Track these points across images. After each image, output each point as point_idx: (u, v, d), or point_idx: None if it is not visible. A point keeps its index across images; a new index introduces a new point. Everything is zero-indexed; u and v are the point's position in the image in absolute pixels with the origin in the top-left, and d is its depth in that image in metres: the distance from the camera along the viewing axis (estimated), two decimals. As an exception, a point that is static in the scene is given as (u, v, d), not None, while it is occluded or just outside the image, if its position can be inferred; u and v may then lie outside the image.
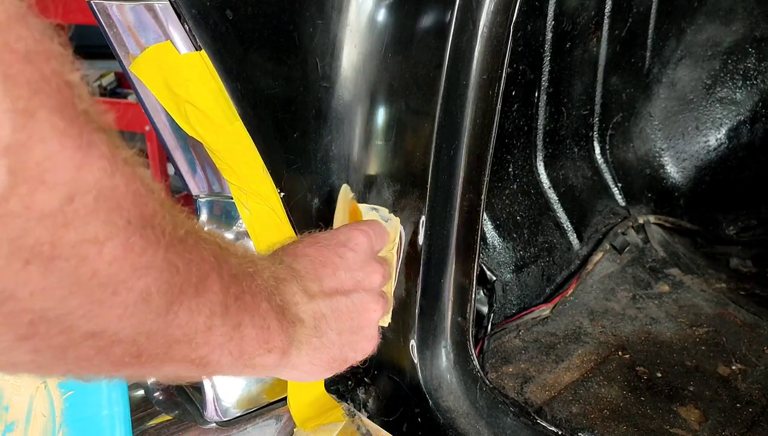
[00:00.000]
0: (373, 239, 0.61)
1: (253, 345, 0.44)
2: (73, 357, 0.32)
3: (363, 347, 0.59)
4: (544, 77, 1.05)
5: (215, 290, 0.38)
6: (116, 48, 0.60)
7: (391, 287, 0.72)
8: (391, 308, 0.72)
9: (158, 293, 0.33)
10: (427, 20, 0.66)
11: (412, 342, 0.75)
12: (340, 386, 0.77)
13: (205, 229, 0.45)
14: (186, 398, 0.70)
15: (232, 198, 0.66)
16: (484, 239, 0.99)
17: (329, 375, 0.57)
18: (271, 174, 0.65)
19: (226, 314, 0.40)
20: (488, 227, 1.00)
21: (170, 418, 0.68)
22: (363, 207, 0.71)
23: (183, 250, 0.35)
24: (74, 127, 0.28)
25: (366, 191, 0.71)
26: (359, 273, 0.57)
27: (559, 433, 0.72)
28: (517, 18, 0.67)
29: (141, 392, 0.72)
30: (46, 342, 0.30)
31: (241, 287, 0.42)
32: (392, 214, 0.71)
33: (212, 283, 0.38)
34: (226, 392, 0.68)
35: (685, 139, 1.33)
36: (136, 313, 0.32)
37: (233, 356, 0.43)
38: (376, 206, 0.71)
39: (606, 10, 1.11)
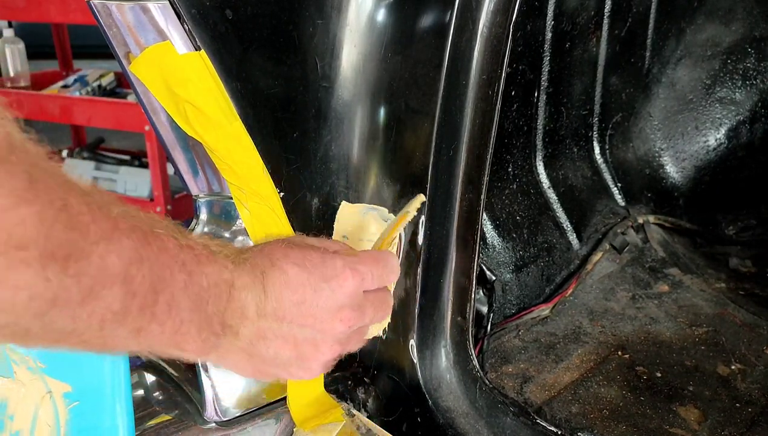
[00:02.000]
0: (367, 282, 0.55)
1: (162, 345, 0.45)
2: None
3: (298, 374, 0.55)
4: (544, 77, 1.05)
5: (109, 302, 0.39)
6: (116, 48, 0.61)
7: (390, 288, 0.71)
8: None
9: (30, 300, 0.35)
10: (426, 20, 0.66)
11: (412, 342, 0.75)
12: (340, 385, 0.77)
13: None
14: (186, 398, 0.70)
15: (231, 198, 0.66)
16: (483, 239, 0.99)
17: (257, 378, 0.55)
18: (271, 174, 0.65)
19: (122, 321, 0.41)
20: (488, 226, 1.00)
21: (170, 418, 0.68)
22: (362, 207, 0.71)
23: (64, 268, 0.36)
24: None
25: (366, 191, 0.71)
26: (325, 314, 0.53)
27: (559, 433, 0.72)
28: (516, 18, 0.67)
29: (141, 392, 0.72)
30: None
31: (154, 298, 0.42)
32: (392, 215, 0.71)
33: (107, 294, 0.39)
34: (226, 391, 0.68)
35: (685, 139, 1.33)
36: (6, 311, 0.35)
37: (141, 347, 0.44)
38: (375, 206, 0.71)
39: (605, 10, 1.11)
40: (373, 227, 0.71)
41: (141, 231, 0.42)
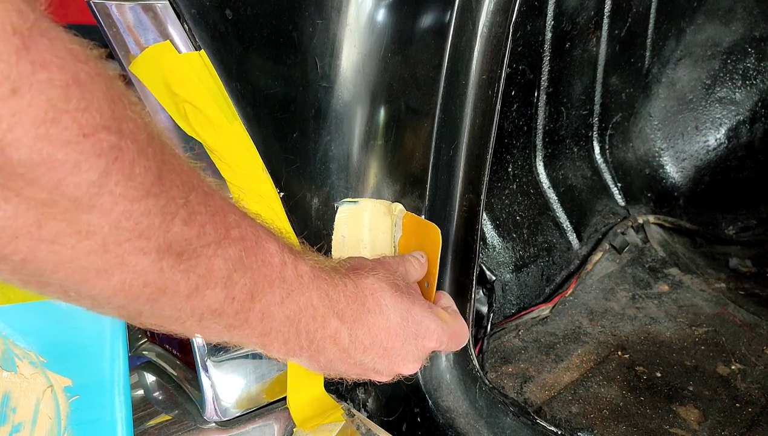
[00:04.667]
0: (440, 348, 0.60)
1: (250, 343, 0.48)
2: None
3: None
4: (544, 77, 1.05)
5: (210, 301, 0.42)
6: (116, 48, 0.61)
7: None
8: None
9: (144, 286, 0.38)
10: (426, 20, 0.66)
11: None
12: (340, 385, 0.77)
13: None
14: (186, 398, 0.70)
15: (231, 198, 0.66)
16: (483, 239, 0.99)
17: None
18: (271, 174, 0.65)
19: (219, 318, 0.43)
20: (488, 227, 1.00)
21: (170, 418, 0.69)
22: (363, 202, 0.71)
23: (176, 262, 0.39)
24: None
25: (366, 191, 0.71)
26: (400, 361, 0.57)
27: (559, 433, 0.72)
28: (516, 18, 0.67)
29: (141, 392, 0.72)
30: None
31: (250, 305, 0.44)
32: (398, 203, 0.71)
33: (209, 294, 0.41)
34: (226, 391, 0.68)
35: (685, 139, 1.33)
36: (124, 293, 0.37)
37: (232, 340, 0.47)
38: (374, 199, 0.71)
39: (605, 10, 1.11)
40: (374, 222, 0.70)
41: (250, 242, 0.44)
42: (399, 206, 0.71)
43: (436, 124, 0.69)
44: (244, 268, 0.43)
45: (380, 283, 0.56)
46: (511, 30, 0.67)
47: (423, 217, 0.72)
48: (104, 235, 0.34)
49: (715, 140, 1.33)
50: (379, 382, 0.62)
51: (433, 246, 0.66)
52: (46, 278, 0.35)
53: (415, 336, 0.57)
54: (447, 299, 0.66)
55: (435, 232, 0.65)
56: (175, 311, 0.40)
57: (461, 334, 0.63)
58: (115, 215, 0.34)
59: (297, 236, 0.68)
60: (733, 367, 0.90)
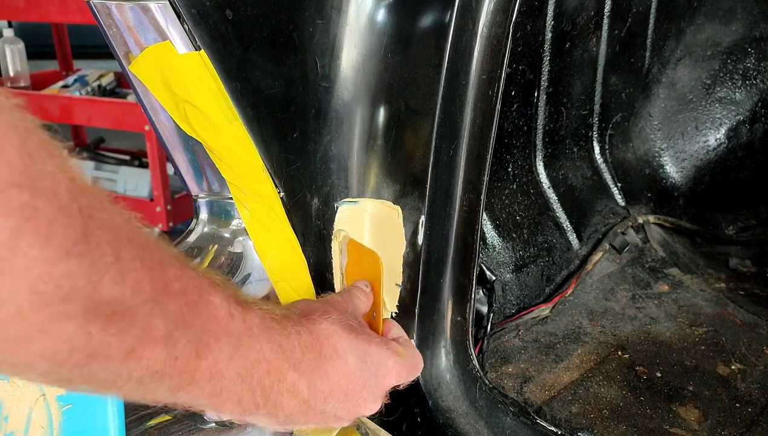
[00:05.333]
0: (400, 382, 0.59)
1: (200, 405, 0.45)
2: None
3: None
4: (544, 77, 1.05)
5: (150, 362, 0.39)
6: (116, 48, 0.61)
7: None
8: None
9: (70, 352, 0.35)
10: (426, 20, 0.66)
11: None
12: (340, 385, 0.77)
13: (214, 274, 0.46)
14: (186, 397, 0.70)
15: (231, 198, 0.66)
16: (483, 239, 0.99)
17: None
18: (271, 174, 0.65)
19: (161, 380, 0.40)
20: (488, 227, 1.00)
21: (170, 418, 0.68)
22: (363, 202, 0.71)
23: (107, 324, 0.36)
24: None
25: (366, 191, 0.71)
26: (361, 402, 0.55)
27: (559, 433, 0.72)
28: (516, 18, 0.67)
29: (141, 391, 0.72)
30: None
31: (196, 364, 0.42)
32: (398, 207, 0.71)
33: (148, 356, 0.39)
34: (226, 391, 0.68)
35: (685, 139, 1.33)
36: (48, 360, 0.35)
37: (180, 402, 0.44)
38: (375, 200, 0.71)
39: (605, 10, 1.11)
40: (375, 222, 0.70)
41: (192, 295, 0.41)
42: (343, 232, 0.69)
43: (436, 124, 0.69)
44: (186, 324, 0.40)
45: (334, 326, 0.54)
46: (511, 30, 0.67)
47: (422, 218, 0.72)
48: (19, 302, 0.31)
49: (715, 140, 1.33)
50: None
51: (375, 273, 0.63)
52: None
53: (375, 376, 0.55)
54: (397, 329, 0.65)
55: (375, 259, 0.63)
56: (110, 376, 0.38)
57: (417, 364, 0.62)
58: (31, 280, 0.31)
59: (297, 236, 0.68)
60: (733, 367, 0.90)
